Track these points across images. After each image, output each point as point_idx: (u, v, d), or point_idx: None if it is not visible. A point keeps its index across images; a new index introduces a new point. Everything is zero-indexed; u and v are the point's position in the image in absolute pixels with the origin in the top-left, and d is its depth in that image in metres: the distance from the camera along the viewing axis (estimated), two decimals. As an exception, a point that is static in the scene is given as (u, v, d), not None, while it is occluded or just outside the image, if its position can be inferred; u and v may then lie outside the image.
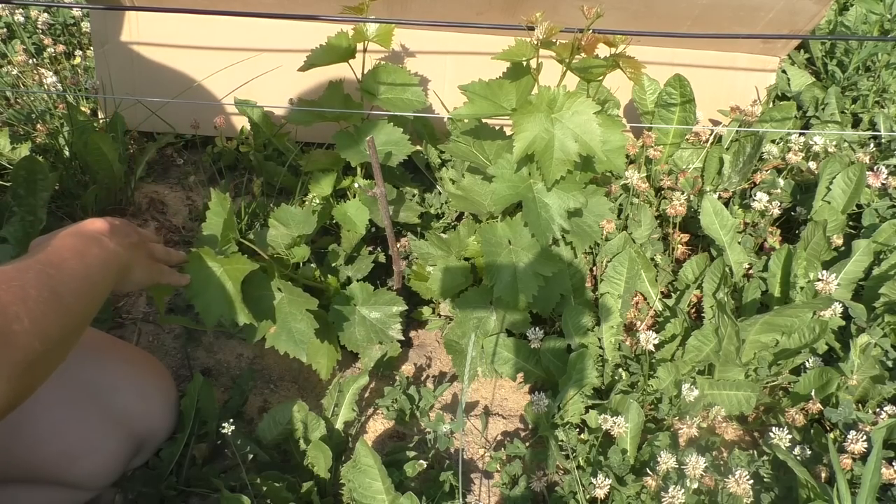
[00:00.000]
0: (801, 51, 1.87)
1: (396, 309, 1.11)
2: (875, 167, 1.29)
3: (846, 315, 1.12)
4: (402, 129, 1.18)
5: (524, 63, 0.97)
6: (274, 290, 1.00)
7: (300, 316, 0.99)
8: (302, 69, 1.11)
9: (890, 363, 1.08)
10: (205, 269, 0.94)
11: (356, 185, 1.24)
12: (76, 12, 1.76)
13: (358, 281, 1.14)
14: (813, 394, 1.02)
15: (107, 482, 0.90)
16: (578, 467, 0.99)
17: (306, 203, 1.29)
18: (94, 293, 0.74)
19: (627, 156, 1.34)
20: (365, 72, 1.19)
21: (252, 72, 1.39)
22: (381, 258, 1.23)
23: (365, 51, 1.15)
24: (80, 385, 0.87)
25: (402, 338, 1.12)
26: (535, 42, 0.88)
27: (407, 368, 1.15)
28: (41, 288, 0.65)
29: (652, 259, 1.26)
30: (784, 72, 1.78)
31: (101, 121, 1.44)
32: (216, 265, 0.94)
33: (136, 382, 0.94)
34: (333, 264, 1.19)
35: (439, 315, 1.27)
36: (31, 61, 1.60)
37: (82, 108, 1.46)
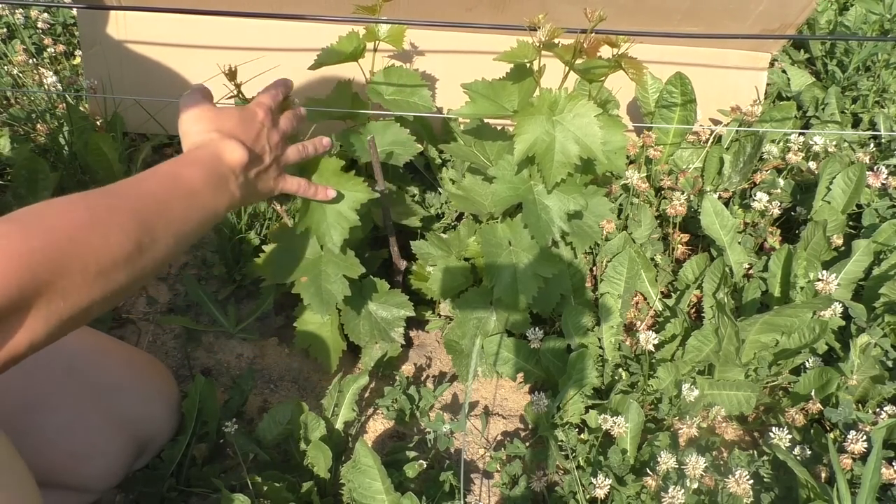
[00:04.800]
0: (801, 50, 1.87)
1: (404, 313, 1.12)
2: (875, 167, 1.29)
3: (846, 315, 1.12)
4: (408, 130, 1.18)
5: (527, 65, 0.97)
6: (315, 243, 1.00)
7: (335, 278, 0.99)
8: (312, 67, 1.11)
9: (890, 363, 1.08)
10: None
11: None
12: (76, 12, 1.76)
13: (372, 276, 1.14)
14: (813, 394, 1.02)
15: (111, 484, 0.91)
16: (578, 467, 1.00)
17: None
18: (186, 242, 0.69)
19: (627, 156, 1.34)
20: (373, 71, 1.19)
21: (251, 72, 1.39)
22: (385, 255, 1.23)
23: (375, 50, 1.15)
24: (83, 388, 0.87)
25: (403, 342, 1.13)
26: (537, 44, 0.88)
27: (407, 368, 1.15)
28: (127, 235, 0.61)
29: (652, 259, 1.26)
30: (784, 71, 1.78)
31: (99, 121, 1.44)
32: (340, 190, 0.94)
33: (139, 385, 0.94)
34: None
35: (439, 315, 1.27)
36: (31, 61, 1.60)
37: (82, 108, 1.46)
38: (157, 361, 1.03)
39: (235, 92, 0.91)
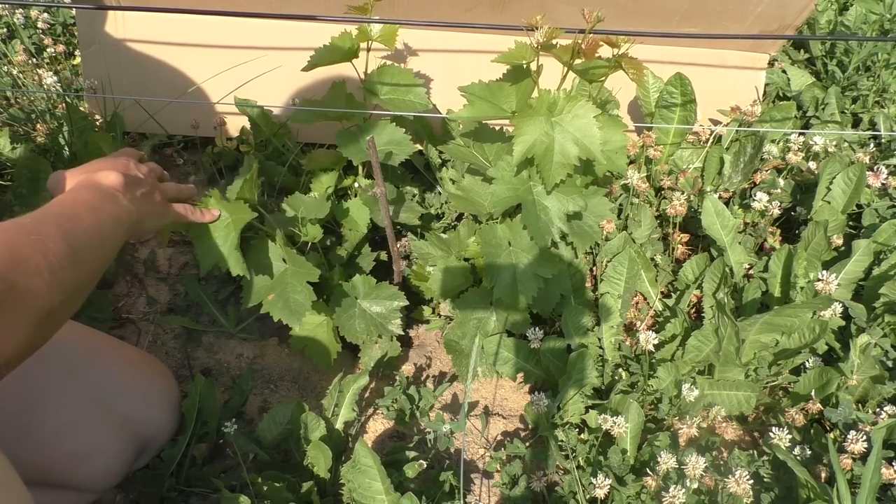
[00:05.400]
0: (801, 50, 1.87)
1: (397, 304, 1.12)
2: (875, 167, 1.29)
3: (846, 315, 1.12)
4: (404, 130, 1.18)
5: (524, 66, 0.97)
6: (278, 259, 1.03)
7: (300, 287, 1.01)
8: (306, 69, 1.11)
9: (890, 363, 1.08)
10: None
11: (357, 184, 1.25)
12: (75, 12, 1.76)
13: (360, 274, 1.15)
14: (813, 394, 1.02)
15: (111, 484, 0.91)
16: (578, 467, 1.00)
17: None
18: (107, 248, 0.77)
19: (628, 156, 1.34)
20: (368, 71, 1.19)
21: (250, 72, 1.39)
22: (383, 256, 1.23)
23: (369, 50, 1.15)
24: (84, 388, 0.87)
25: (402, 332, 1.12)
26: (535, 45, 0.88)
27: (407, 368, 1.15)
28: (58, 241, 0.68)
29: (652, 259, 1.26)
30: (784, 71, 1.78)
31: (98, 120, 1.44)
32: (223, 211, 0.98)
33: (139, 385, 0.94)
34: (336, 264, 1.19)
35: (439, 315, 1.27)
36: (31, 61, 1.60)
37: (81, 108, 1.46)
38: (157, 361, 1.03)
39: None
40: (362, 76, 1.19)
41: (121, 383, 0.92)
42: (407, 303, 1.12)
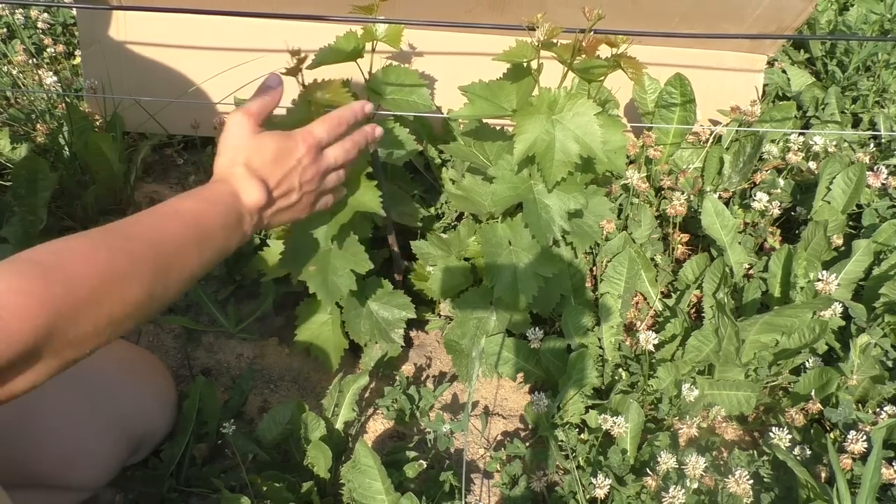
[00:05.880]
0: (801, 50, 1.87)
1: (405, 314, 1.12)
2: (875, 167, 1.29)
3: (846, 315, 1.12)
4: (408, 130, 1.18)
5: (525, 64, 0.97)
6: (324, 238, 0.98)
7: (342, 272, 0.99)
8: (310, 67, 1.11)
9: (890, 363, 1.08)
10: None
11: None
12: (76, 12, 1.76)
13: (376, 275, 1.14)
14: (813, 394, 1.02)
15: (104, 482, 0.90)
16: (578, 467, 1.00)
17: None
18: (191, 283, 0.69)
19: (627, 156, 1.34)
20: (371, 71, 1.19)
21: (251, 72, 1.39)
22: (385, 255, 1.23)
23: (373, 51, 1.15)
24: (78, 387, 0.87)
25: (403, 344, 1.13)
26: (536, 43, 0.88)
27: (407, 368, 1.15)
28: (140, 291, 0.61)
29: (652, 259, 1.26)
30: (784, 72, 1.78)
31: (98, 120, 1.44)
32: None
33: (133, 383, 0.94)
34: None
35: (439, 315, 1.27)
36: (31, 61, 1.60)
37: (82, 108, 1.46)
38: (152, 358, 1.03)
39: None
40: (366, 76, 1.19)
41: (115, 381, 0.91)
42: (414, 315, 1.12)
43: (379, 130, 0.87)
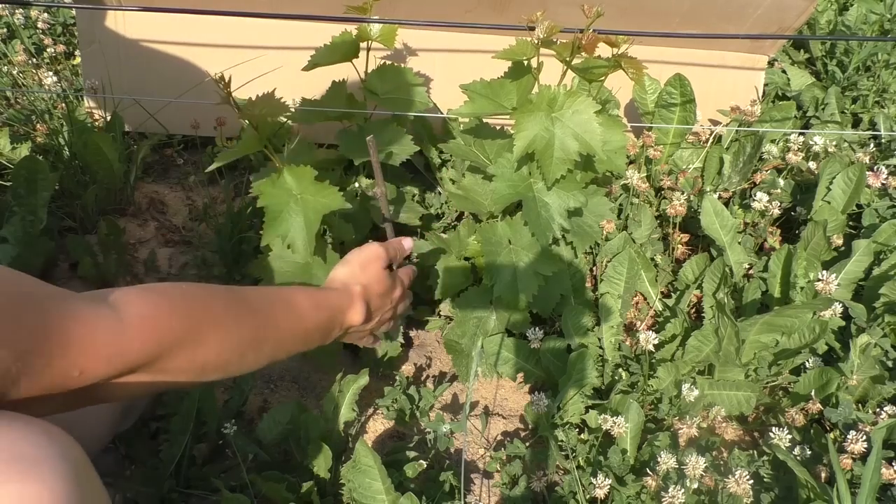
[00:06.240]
0: (801, 50, 1.87)
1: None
2: (875, 167, 1.29)
3: (846, 315, 1.12)
4: (405, 129, 1.18)
5: (525, 62, 0.97)
6: (308, 253, 1.01)
7: (322, 277, 1.00)
8: (306, 68, 1.11)
9: (890, 363, 1.08)
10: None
11: (357, 184, 1.24)
12: (75, 11, 1.76)
13: None
14: (813, 394, 1.02)
15: (99, 448, 0.91)
16: (578, 467, 0.99)
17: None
18: (273, 361, 0.75)
19: (627, 156, 1.34)
20: (368, 71, 1.19)
21: (251, 72, 1.39)
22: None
23: (369, 50, 1.15)
24: None
25: (402, 342, 1.12)
26: (536, 41, 0.88)
27: (407, 368, 1.15)
28: (235, 350, 0.67)
29: (652, 259, 1.26)
30: (784, 72, 1.78)
31: (98, 120, 1.44)
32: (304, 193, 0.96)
33: None
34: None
35: (439, 315, 1.27)
36: (31, 61, 1.60)
37: (84, 109, 1.46)
38: None
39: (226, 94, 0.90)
40: (363, 76, 1.19)
41: None
42: (412, 311, 1.12)
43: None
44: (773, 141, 1.49)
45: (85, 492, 0.47)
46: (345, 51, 1.10)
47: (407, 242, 0.97)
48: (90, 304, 0.55)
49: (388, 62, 1.23)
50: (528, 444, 1.06)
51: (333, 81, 1.22)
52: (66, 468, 0.46)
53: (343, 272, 0.87)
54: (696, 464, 0.89)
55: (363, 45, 1.14)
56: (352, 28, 1.13)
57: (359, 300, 0.84)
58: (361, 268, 0.87)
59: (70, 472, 0.46)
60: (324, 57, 1.12)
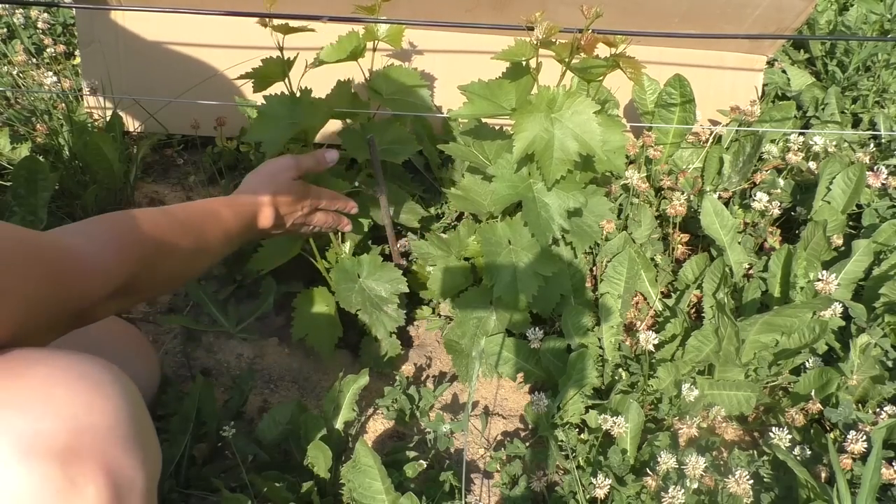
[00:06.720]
0: (801, 51, 1.87)
1: (399, 288, 1.12)
2: (875, 167, 1.29)
3: (846, 315, 1.11)
4: (407, 129, 1.18)
5: (524, 63, 0.97)
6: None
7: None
8: (312, 65, 1.11)
9: (890, 363, 1.08)
10: None
11: (356, 183, 1.24)
12: (75, 11, 1.76)
13: (367, 253, 1.15)
14: (813, 394, 1.02)
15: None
16: (578, 467, 0.99)
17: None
18: (212, 259, 0.87)
19: (627, 156, 1.34)
20: (372, 70, 1.19)
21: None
22: (386, 251, 1.23)
23: (374, 50, 1.15)
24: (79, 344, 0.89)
25: (402, 322, 1.12)
26: (535, 42, 0.88)
27: (407, 368, 1.15)
28: (181, 259, 0.78)
29: (652, 259, 1.26)
30: (784, 71, 1.78)
31: (98, 120, 1.44)
32: None
33: (123, 347, 0.97)
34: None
35: (439, 315, 1.27)
36: (31, 61, 1.60)
37: (84, 109, 1.46)
38: (138, 331, 1.06)
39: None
40: (367, 76, 1.19)
41: (98, 337, 0.93)
42: (407, 289, 1.12)
43: (353, 209, 1.09)
44: (772, 141, 1.49)
45: (141, 414, 0.56)
46: (351, 50, 1.10)
47: (330, 154, 1.03)
48: (74, 239, 0.65)
49: (393, 62, 1.23)
50: (528, 444, 1.06)
51: (338, 81, 1.22)
52: (131, 390, 0.56)
53: (254, 180, 0.95)
54: (696, 464, 0.89)
55: (369, 45, 1.14)
56: (359, 28, 1.13)
57: (267, 206, 0.93)
58: (271, 177, 0.95)
59: (131, 395, 0.55)
60: (330, 55, 1.12)
